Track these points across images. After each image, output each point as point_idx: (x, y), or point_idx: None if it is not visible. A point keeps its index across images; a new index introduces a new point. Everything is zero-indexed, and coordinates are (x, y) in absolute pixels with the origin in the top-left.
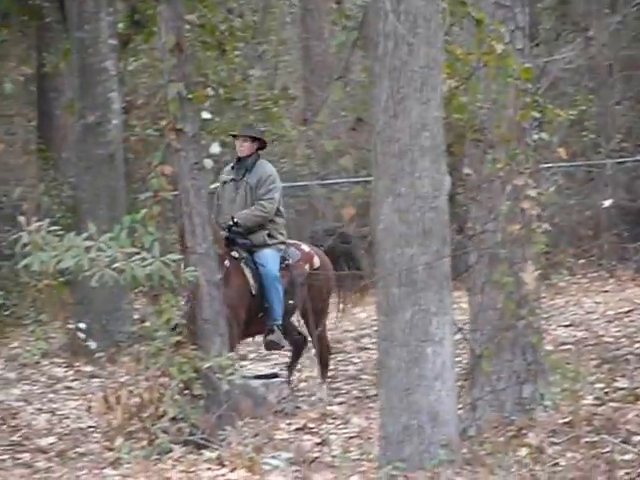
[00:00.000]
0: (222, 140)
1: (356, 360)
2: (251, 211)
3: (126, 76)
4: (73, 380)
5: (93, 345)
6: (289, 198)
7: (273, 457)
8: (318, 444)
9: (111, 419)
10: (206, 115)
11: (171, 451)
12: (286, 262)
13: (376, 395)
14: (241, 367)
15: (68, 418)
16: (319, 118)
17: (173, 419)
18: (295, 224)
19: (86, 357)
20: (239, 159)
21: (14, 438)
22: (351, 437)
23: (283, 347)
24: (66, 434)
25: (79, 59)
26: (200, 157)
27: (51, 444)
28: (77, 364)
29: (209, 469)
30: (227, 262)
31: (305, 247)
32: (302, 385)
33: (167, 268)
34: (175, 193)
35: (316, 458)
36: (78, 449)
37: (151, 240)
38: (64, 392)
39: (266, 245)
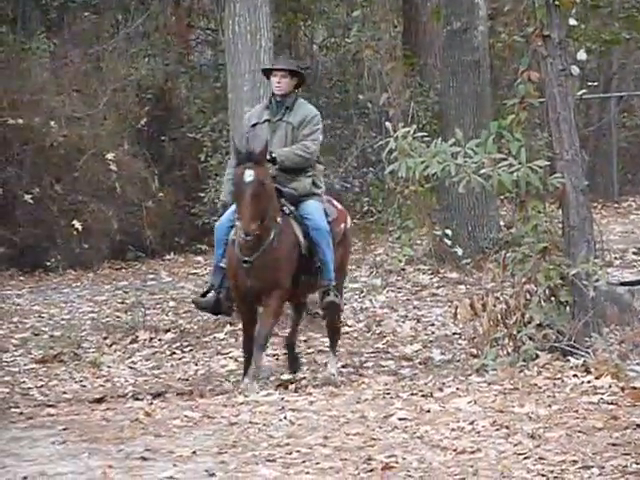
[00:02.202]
0: (588, 47)
1: None
2: (292, 149)
3: None
4: (438, 287)
5: (459, 251)
6: None
7: (639, 364)
8: None
9: (477, 326)
10: (572, 21)
11: (537, 357)
12: (327, 218)
13: None
14: (607, 274)
15: (433, 325)
16: None
17: (539, 325)
18: None
19: (452, 263)
20: (273, 97)
21: (379, 345)
22: None
23: (342, 310)
24: (431, 341)
25: None
26: (567, 64)
27: (415, 351)
28: (442, 271)
29: (575, 376)
30: (279, 219)
31: (337, 204)
32: None
33: (534, 174)
34: (542, 100)
35: None
36: (442, 356)
37: (518, 146)
38: (429, 299)
39: (312, 195)
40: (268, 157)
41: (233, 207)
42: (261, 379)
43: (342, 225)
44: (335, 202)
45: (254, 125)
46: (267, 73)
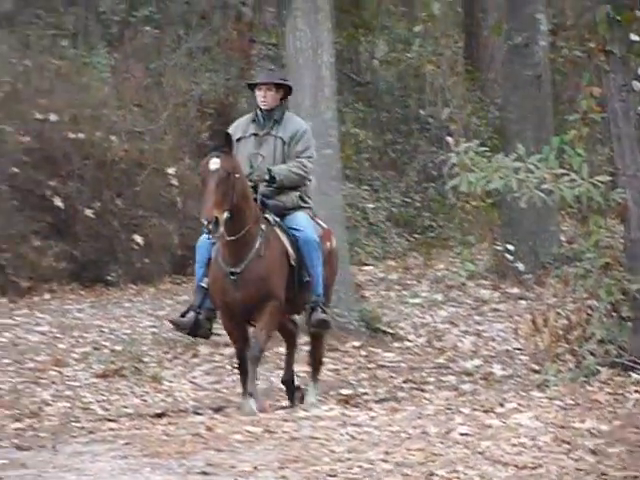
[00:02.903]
0: None
1: None
2: (289, 167)
3: None
4: (499, 302)
5: (520, 267)
6: None
7: None
8: None
9: (538, 341)
10: (634, 37)
11: (598, 373)
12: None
13: None
14: None
15: (494, 340)
16: None
17: (600, 341)
18: None
19: (513, 279)
20: (260, 110)
21: (440, 360)
22: None
23: (331, 327)
24: (492, 356)
25: None
26: (628, 79)
27: (477, 366)
28: (504, 286)
29: (636, 391)
30: (264, 226)
31: (322, 223)
32: None
33: (596, 190)
34: (603, 115)
35: None
36: (504, 372)
37: (580, 161)
38: (490, 314)
39: (299, 207)
40: (267, 177)
41: None
42: (315, 394)
43: (327, 244)
44: (320, 221)
45: (239, 139)
46: (252, 87)
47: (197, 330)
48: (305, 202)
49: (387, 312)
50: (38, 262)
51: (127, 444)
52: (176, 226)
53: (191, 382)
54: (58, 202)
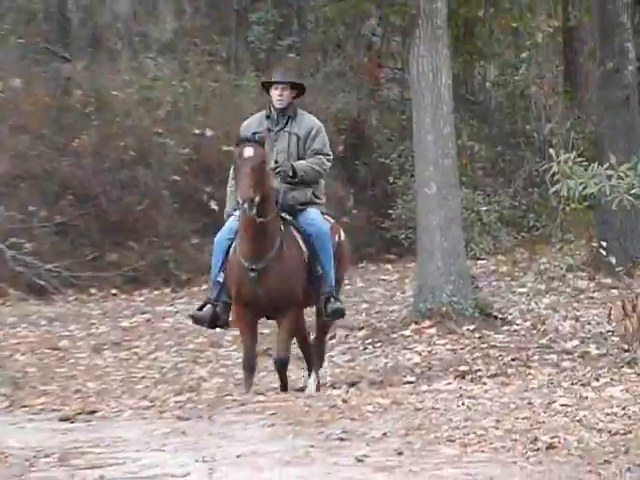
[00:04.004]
0: None
1: None
2: (309, 164)
3: None
4: (594, 291)
5: (613, 260)
6: None
7: None
8: None
9: (627, 324)
10: None
11: None
12: None
13: None
14: None
15: (589, 324)
16: None
17: None
18: None
19: (606, 271)
20: (273, 107)
21: (543, 341)
22: None
23: (344, 316)
24: (588, 337)
25: (599, 14)
26: None
27: (575, 346)
28: (598, 277)
29: None
30: (282, 224)
31: (330, 219)
32: None
33: None
34: None
35: None
36: (598, 351)
37: None
38: (586, 301)
39: (312, 204)
40: (290, 172)
41: (231, 220)
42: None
43: (336, 236)
44: (328, 217)
45: (254, 134)
46: (266, 86)
47: (216, 322)
48: (318, 198)
49: (498, 300)
50: (196, 257)
51: (273, 414)
52: None
53: (329, 361)
54: (213, 205)
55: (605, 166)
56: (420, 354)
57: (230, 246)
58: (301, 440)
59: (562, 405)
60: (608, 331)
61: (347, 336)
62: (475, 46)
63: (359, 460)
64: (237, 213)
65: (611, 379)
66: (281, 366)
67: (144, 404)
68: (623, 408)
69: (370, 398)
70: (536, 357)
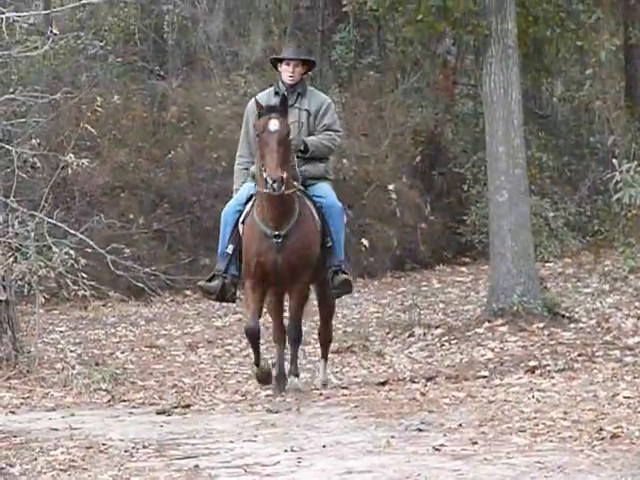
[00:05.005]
0: None
1: None
2: (320, 140)
3: None
4: None
5: None
6: None
7: None
8: None
9: None
10: None
11: None
12: None
13: None
14: None
15: None
16: None
17: None
18: None
19: None
20: (283, 84)
21: (607, 338)
22: None
23: (352, 289)
24: None
25: None
26: None
27: (637, 342)
28: None
29: None
30: (299, 193)
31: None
32: None
33: None
34: None
35: None
36: None
37: None
38: None
39: (323, 178)
40: (302, 147)
41: (240, 192)
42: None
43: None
44: None
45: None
46: (276, 62)
47: (224, 295)
48: (329, 174)
49: (565, 300)
50: None
51: (356, 407)
52: (395, 232)
53: (408, 356)
54: None
55: None
56: (493, 350)
57: (239, 218)
58: (382, 431)
59: (625, 397)
60: None
61: (425, 334)
62: (543, 64)
63: (436, 449)
64: (248, 185)
65: None
66: (294, 345)
67: (236, 398)
68: None
69: (446, 391)
70: (600, 353)
